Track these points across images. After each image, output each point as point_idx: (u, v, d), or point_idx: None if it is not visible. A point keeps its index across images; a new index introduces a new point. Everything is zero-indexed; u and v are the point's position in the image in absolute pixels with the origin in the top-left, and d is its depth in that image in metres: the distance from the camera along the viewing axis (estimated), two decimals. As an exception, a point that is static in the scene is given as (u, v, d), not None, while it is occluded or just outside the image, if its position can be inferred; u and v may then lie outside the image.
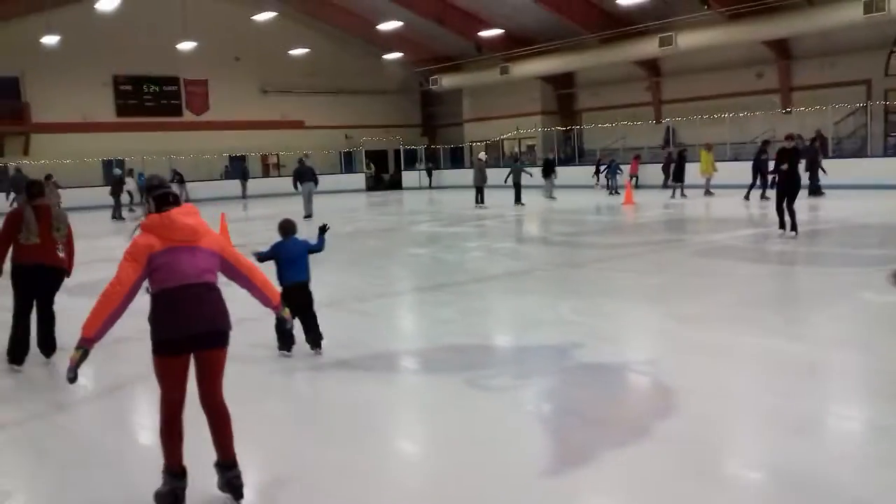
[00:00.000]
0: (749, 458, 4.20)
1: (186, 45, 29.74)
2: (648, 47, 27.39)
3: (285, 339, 6.27)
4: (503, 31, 30.14)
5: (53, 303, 6.54)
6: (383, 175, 38.27)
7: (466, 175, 34.99)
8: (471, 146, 37.55)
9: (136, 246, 3.57)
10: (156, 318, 3.55)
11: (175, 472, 3.67)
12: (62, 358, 6.88)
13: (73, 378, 3.60)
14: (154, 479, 3.71)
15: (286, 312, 4.18)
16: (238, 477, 3.74)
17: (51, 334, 6.50)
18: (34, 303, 6.39)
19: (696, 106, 27.82)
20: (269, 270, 5.06)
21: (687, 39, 25.96)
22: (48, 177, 20.85)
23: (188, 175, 32.00)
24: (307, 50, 33.27)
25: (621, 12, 26.91)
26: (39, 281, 6.33)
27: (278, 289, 4.77)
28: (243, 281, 3.90)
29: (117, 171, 26.40)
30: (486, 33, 30.09)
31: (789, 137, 12.65)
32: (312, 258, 6.40)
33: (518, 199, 21.97)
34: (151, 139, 32.26)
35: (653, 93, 30.72)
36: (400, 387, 5.76)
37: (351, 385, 5.66)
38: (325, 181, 33.20)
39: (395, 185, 37.04)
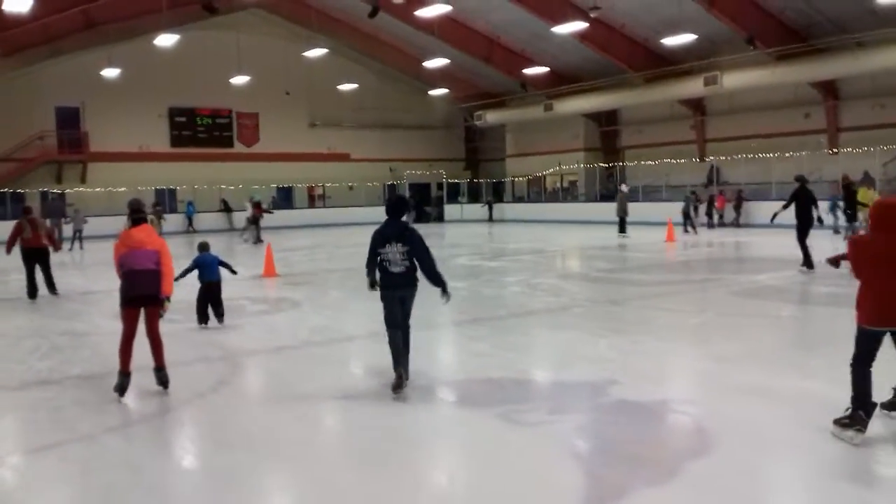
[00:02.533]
0: None
1: (239, 80, 30.70)
2: (693, 86, 27.37)
3: (201, 317, 9.42)
4: (548, 68, 30.45)
5: (50, 266, 12.59)
6: (426, 208, 38.68)
7: (514, 210, 35.26)
8: (513, 181, 37.80)
9: (115, 247, 6.32)
10: (122, 286, 6.24)
11: (124, 372, 6.25)
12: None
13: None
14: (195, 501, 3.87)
15: (168, 304, 6.33)
16: (165, 375, 6.42)
17: (52, 286, 12.61)
18: (35, 267, 12.29)
19: (740, 145, 27.69)
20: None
21: (732, 79, 25.91)
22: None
23: (236, 205, 32.96)
24: (355, 85, 34.02)
25: (666, 51, 27.01)
26: (34, 256, 12.27)
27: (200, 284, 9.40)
28: (162, 269, 6.28)
29: (256, 197, 26.93)
30: (530, 71, 30.43)
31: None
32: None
33: (687, 228, 23.63)
34: (203, 169, 33.26)
35: (697, 131, 30.62)
36: (433, 418, 5.84)
37: (385, 414, 5.77)
38: (368, 213, 33.73)
39: (438, 217, 37.37)
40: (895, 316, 4.62)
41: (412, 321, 6.54)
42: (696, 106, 30.22)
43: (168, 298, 6.29)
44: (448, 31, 29.07)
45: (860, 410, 4.75)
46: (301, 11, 31.69)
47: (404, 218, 6.39)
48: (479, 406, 5.95)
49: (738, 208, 25.96)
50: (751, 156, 26.67)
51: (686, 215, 24.04)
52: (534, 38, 29.16)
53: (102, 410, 6.19)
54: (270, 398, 6.58)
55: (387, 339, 6.38)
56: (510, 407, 5.87)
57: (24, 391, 6.78)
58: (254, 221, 24.86)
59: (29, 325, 10.20)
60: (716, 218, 26.50)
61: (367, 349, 8.42)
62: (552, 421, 5.59)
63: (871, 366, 4.76)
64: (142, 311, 6.22)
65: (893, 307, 4.60)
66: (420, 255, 6.29)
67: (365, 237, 6.75)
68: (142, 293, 6.15)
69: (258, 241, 23.94)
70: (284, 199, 36.25)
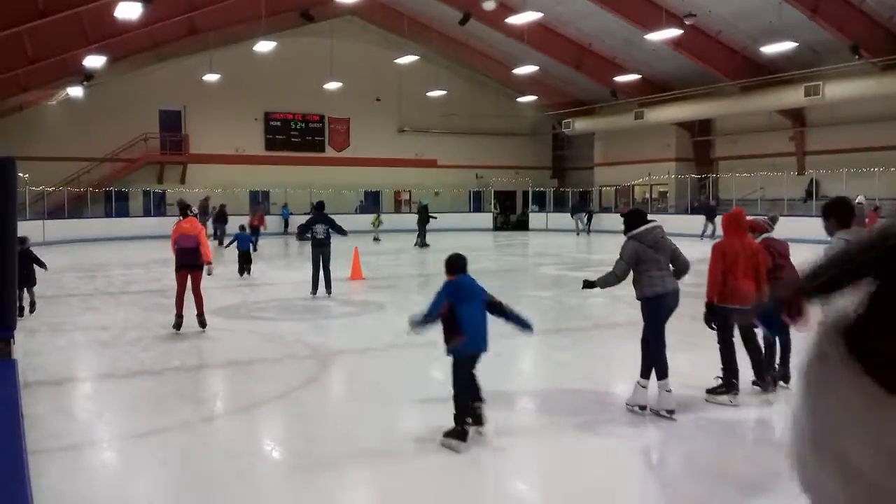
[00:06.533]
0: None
1: (332, 86, 31.54)
2: (793, 96, 26.35)
3: (241, 269, 15.45)
4: (640, 76, 30.00)
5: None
6: (510, 216, 38.66)
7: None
8: (601, 190, 37.37)
9: (173, 231, 9.42)
10: (176, 258, 9.36)
11: (178, 314, 9.28)
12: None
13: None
14: (282, 491, 4.08)
15: (212, 267, 9.53)
16: (204, 320, 9.35)
17: None
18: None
19: (843, 158, 26.43)
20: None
21: (835, 89, 24.84)
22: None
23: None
24: (444, 92, 34.39)
25: (764, 60, 26.20)
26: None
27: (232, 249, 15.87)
28: (200, 247, 9.31)
29: (425, 200, 27.85)
30: (621, 78, 30.02)
31: None
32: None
33: None
34: (295, 172, 34.24)
35: (796, 143, 29.47)
36: (513, 426, 5.91)
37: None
38: (454, 219, 33.82)
39: (522, 226, 37.29)
40: (738, 296, 6.09)
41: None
42: (796, 117, 29.08)
43: (210, 262, 9.41)
44: (538, 39, 29.02)
45: (733, 378, 6.24)
46: (394, 19, 32.30)
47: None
48: (560, 416, 6.00)
49: None
50: (854, 170, 25.49)
51: None
52: (625, 46, 28.77)
53: (200, 401, 6.56)
54: (355, 397, 6.80)
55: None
56: (590, 418, 5.89)
57: (130, 379, 7.23)
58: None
59: (133, 318, 10.82)
60: None
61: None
62: (632, 434, 5.59)
63: (733, 342, 6.32)
64: (188, 275, 9.28)
65: (738, 289, 6.12)
66: (334, 227, 12.75)
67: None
68: (187, 262, 9.33)
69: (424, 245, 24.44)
70: (373, 203, 36.90)
